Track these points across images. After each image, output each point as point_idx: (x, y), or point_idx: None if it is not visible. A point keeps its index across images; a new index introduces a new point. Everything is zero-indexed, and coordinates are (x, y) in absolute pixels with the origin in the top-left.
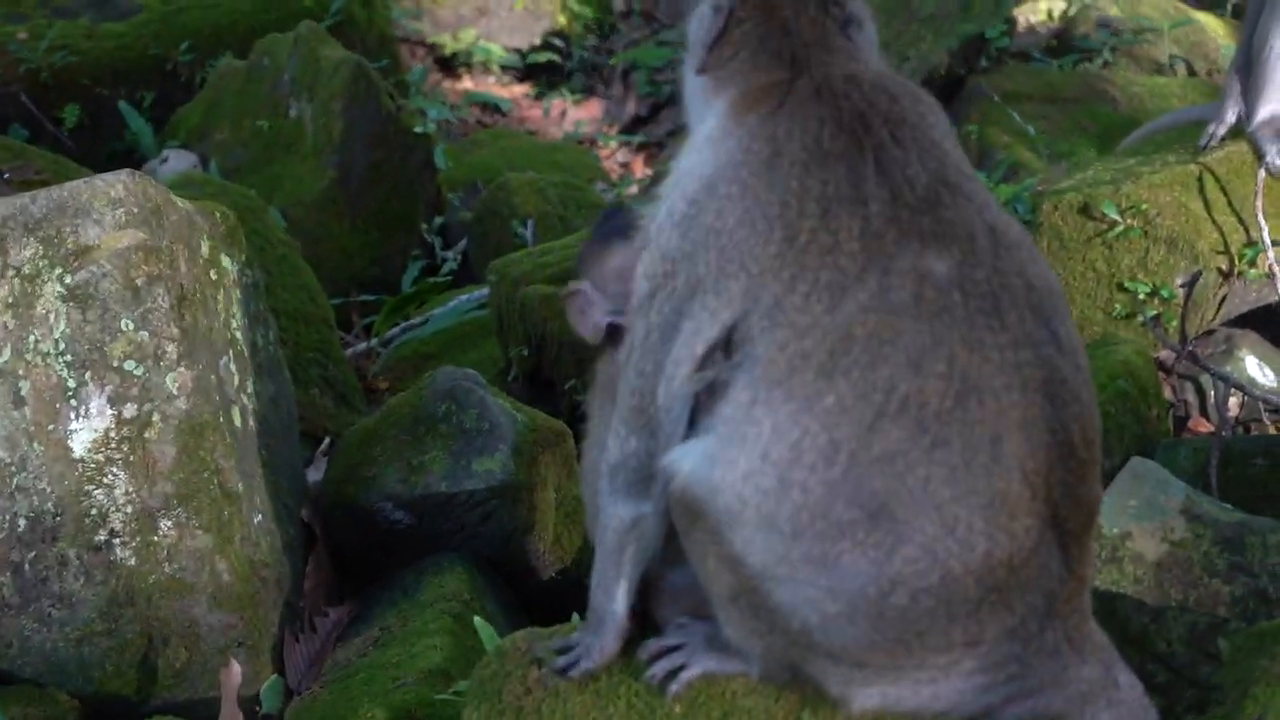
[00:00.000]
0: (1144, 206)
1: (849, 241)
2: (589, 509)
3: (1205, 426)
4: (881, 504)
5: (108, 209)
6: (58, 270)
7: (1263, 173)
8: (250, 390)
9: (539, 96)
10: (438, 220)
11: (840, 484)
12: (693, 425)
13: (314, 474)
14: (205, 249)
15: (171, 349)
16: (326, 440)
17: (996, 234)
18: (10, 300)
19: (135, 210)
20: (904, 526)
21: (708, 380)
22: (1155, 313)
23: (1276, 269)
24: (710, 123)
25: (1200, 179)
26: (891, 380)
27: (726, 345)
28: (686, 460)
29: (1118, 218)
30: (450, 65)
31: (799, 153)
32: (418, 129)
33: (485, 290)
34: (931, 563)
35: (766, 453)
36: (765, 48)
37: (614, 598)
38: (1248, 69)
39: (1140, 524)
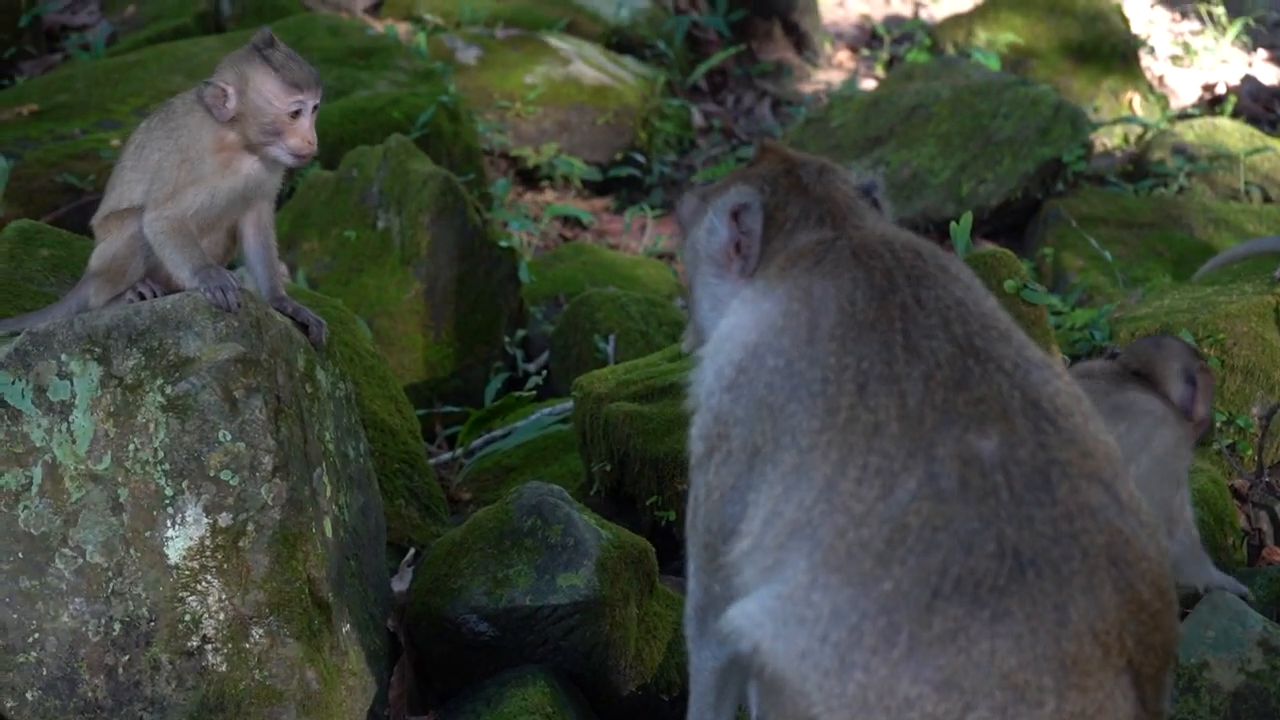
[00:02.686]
0: (1220, 336)
1: (889, 423)
2: None
3: None
4: (946, 678)
5: (209, 322)
6: (159, 380)
7: None
8: (341, 501)
9: (619, 211)
10: (520, 333)
11: (904, 663)
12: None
13: (399, 584)
14: (301, 362)
15: (267, 460)
16: (411, 551)
17: (1038, 407)
18: (112, 409)
19: (235, 323)
20: (972, 695)
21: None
22: (1231, 441)
23: None
24: (747, 291)
25: (1277, 309)
26: (944, 563)
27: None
28: (754, 628)
29: (1193, 344)
30: (533, 179)
31: (834, 321)
32: (503, 243)
33: (567, 404)
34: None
35: (826, 635)
36: (807, 217)
37: None
38: None
39: (1217, 655)
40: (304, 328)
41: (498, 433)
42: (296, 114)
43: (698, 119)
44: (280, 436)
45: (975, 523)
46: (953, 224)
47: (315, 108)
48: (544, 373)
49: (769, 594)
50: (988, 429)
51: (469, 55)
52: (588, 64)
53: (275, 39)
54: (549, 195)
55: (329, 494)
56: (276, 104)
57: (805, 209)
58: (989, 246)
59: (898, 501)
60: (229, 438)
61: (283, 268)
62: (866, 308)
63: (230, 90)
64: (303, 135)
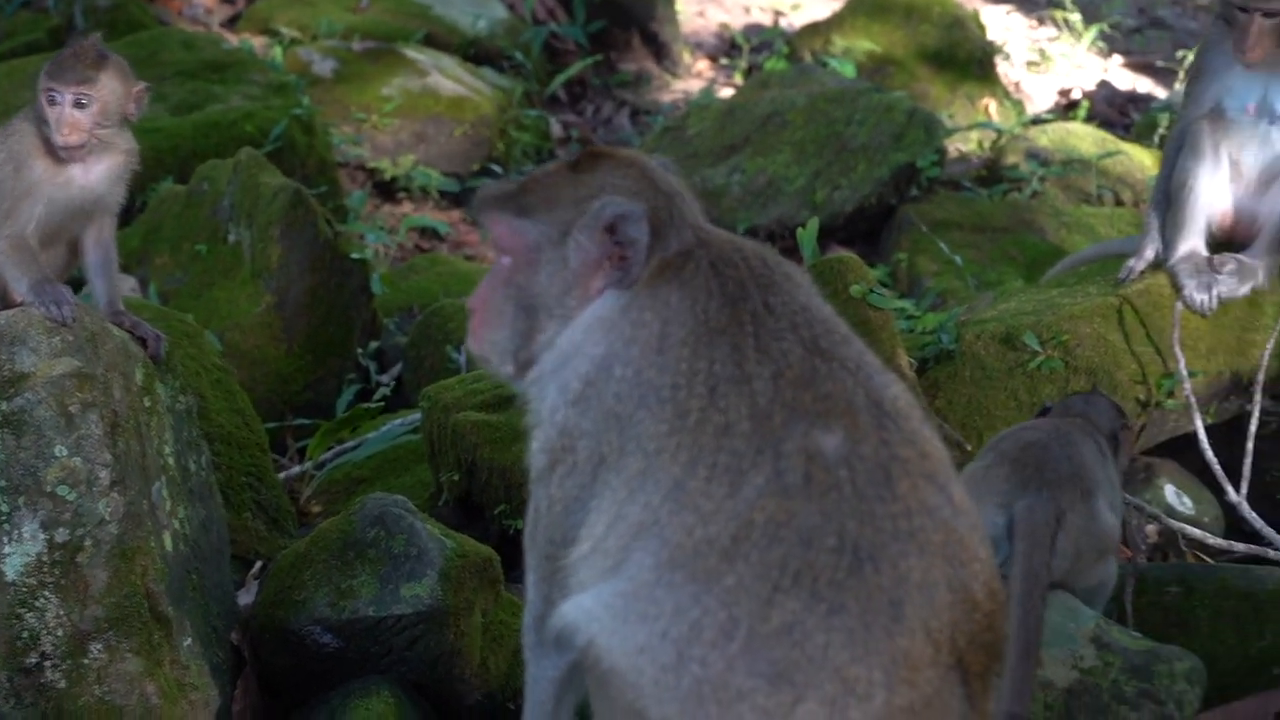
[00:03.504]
0: (1064, 338)
1: (740, 422)
2: None
3: (1127, 553)
4: (779, 671)
5: (44, 337)
6: None
7: (1180, 306)
8: (182, 515)
9: (476, 222)
10: (373, 345)
11: (740, 656)
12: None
13: (245, 597)
14: (140, 376)
15: (104, 475)
16: (258, 564)
17: (881, 406)
18: None
19: (71, 338)
20: (803, 689)
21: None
22: None
23: (1193, 400)
24: (597, 303)
25: (1120, 311)
26: (785, 557)
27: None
28: (590, 623)
29: (1039, 348)
30: (390, 190)
31: (687, 330)
32: (355, 255)
33: (418, 415)
34: (830, 714)
35: (666, 631)
36: (675, 224)
37: None
38: (1166, 205)
39: (1050, 651)
40: (142, 342)
41: (349, 444)
42: (53, 102)
43: (556, 129)
44: (117, 451)
45: (817, 517)
46: (799, 230)
47: (76, 103)
48: (394, 383)
49: (610, 591)
50: (833, 425)
51: (325, 68)
52: (445, 75)
53: (91, 42)
54: (407, 207)
55: (168, 508)
56: (39, 89)
57: (671, 214)
58: (841, 252)
59: (745, 498)
60: (65, 453)
61: (130, 281)
62: (719, 315)
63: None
64: (54, 123)
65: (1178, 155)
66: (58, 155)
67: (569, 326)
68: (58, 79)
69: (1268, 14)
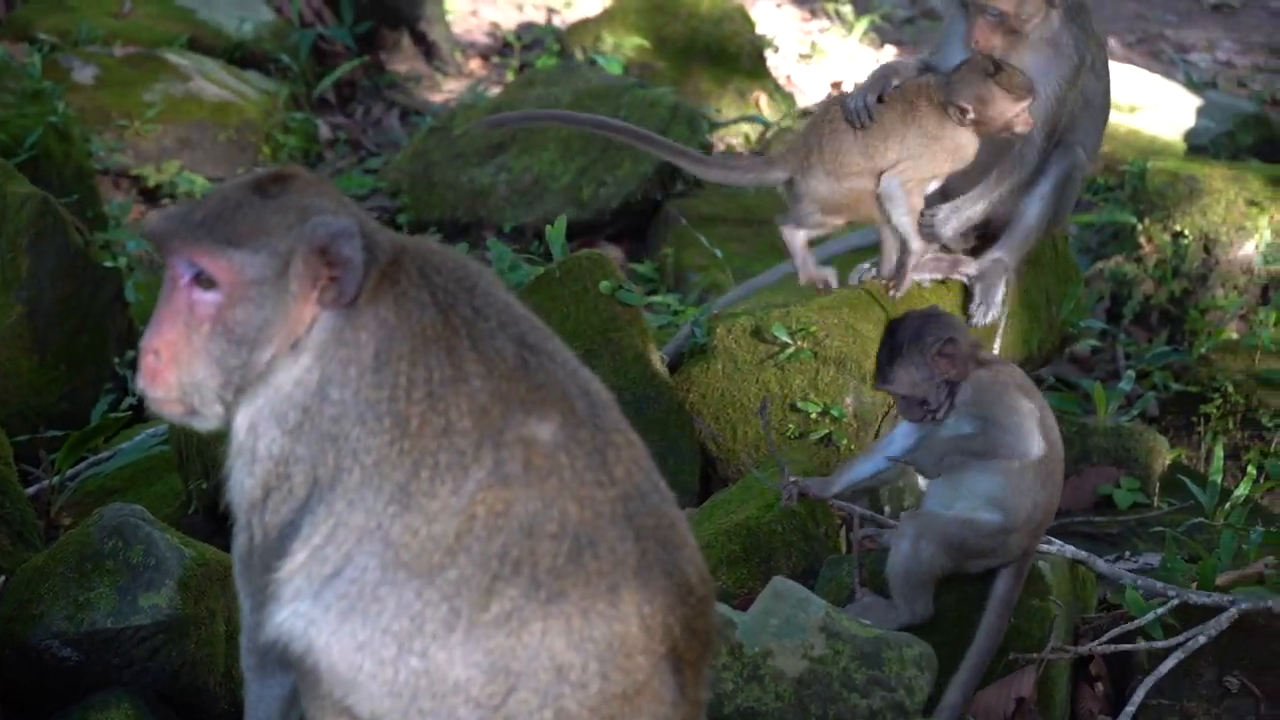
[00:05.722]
0: (813, 329)
1: (460, 420)
2: None
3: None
4: (495, 661)
5: None
6: None
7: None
8: None
9: None
10: (130, 353)
11: (459, 648)
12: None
13: None
14: None
15: None
16: (2, 579)
17: (589, 395)
18: None
19: None
20: (518, 678)
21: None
22: (827, 431)
23: None
24: (314, 327)
25: (868, 300)
26: (506, 546)
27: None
28: (308, 626)
29: (788, 340)
30: (155, 197)
31: (404, 344)
32: (108, 263)
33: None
34: (543, 702)
35: (388, 626)
36: (378, 239)
37: None
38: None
39: (781, 642)
40: None
41: (103, 455)
42: None
43: (324, 132)
44: None
45: (538, 503)
46: (548, 227)
47: None
48: None
49: (330, 593)
50: (549, 413)
51: (86, 74)
52: (208, 80)
53: None
54: None
55: None
56: None
57: (369, 227)
58: (609, 248)
59: (467, 492)
60: None
61: None
62: (434, 324)
63: None
64: None
65: None
66: None
67: (287, 356)
68: None
69: (987, 12)
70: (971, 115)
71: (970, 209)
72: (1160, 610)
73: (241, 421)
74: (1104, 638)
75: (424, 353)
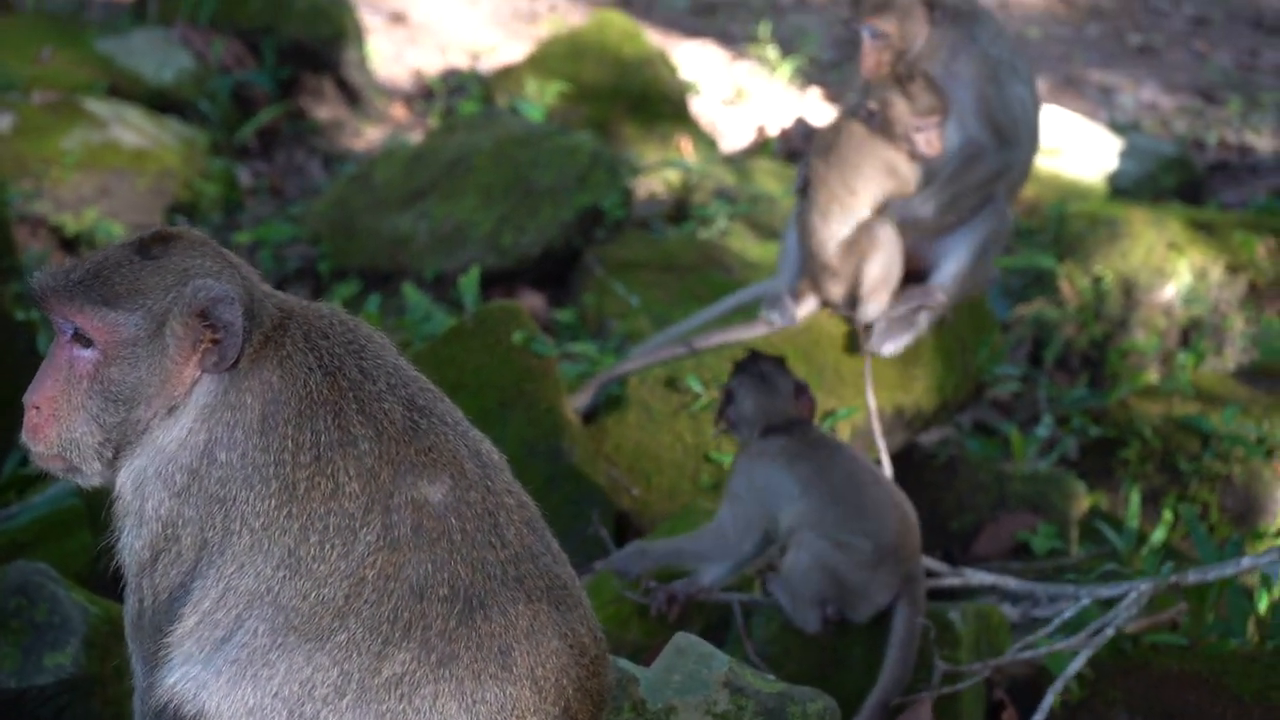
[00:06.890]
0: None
1: (348, 483)
2: None
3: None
4: None
5: None
6: None
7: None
8: None
9: None
10: None
11: (349, 711)
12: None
13: None
14: None
15: None
16: None
17: (480, 456)
18: None
19: None
20: None
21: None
22: None
23: (879, 429)
24: (196, 390)
25: (781, 349)
26: (397, 609)
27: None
28: (199, 691)
29: (700, 390)
30: (74, 246)
31: (290, 408)
32: (20, 315)
33: None
34: None
35: (279, 691)
36: (261, 303)
37: None
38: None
39: (684, 698)
40: None
41: (13, 509)
42: None
43: (245, 178)
44: None
45: (428, 566)
46: (461, 277)
47: None
48: None
49: (221, 658)
50: (439, 475)
51: (3, 122)
52: (127, 127)
53: None
54: None
55: None
56: None
57: (253, 290)
58: (528, 295)
59: (357, 555)
60: None
61: None
62: (320, 387)
63: None
64: None
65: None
66: None
67: (170, 417)
68: None
69: (873, 37)
70: (878, 117)
71: (921, 208)
72: (1070, 642)
73: (125, 480)
74: (1010, 651)
75: (310, 416)
